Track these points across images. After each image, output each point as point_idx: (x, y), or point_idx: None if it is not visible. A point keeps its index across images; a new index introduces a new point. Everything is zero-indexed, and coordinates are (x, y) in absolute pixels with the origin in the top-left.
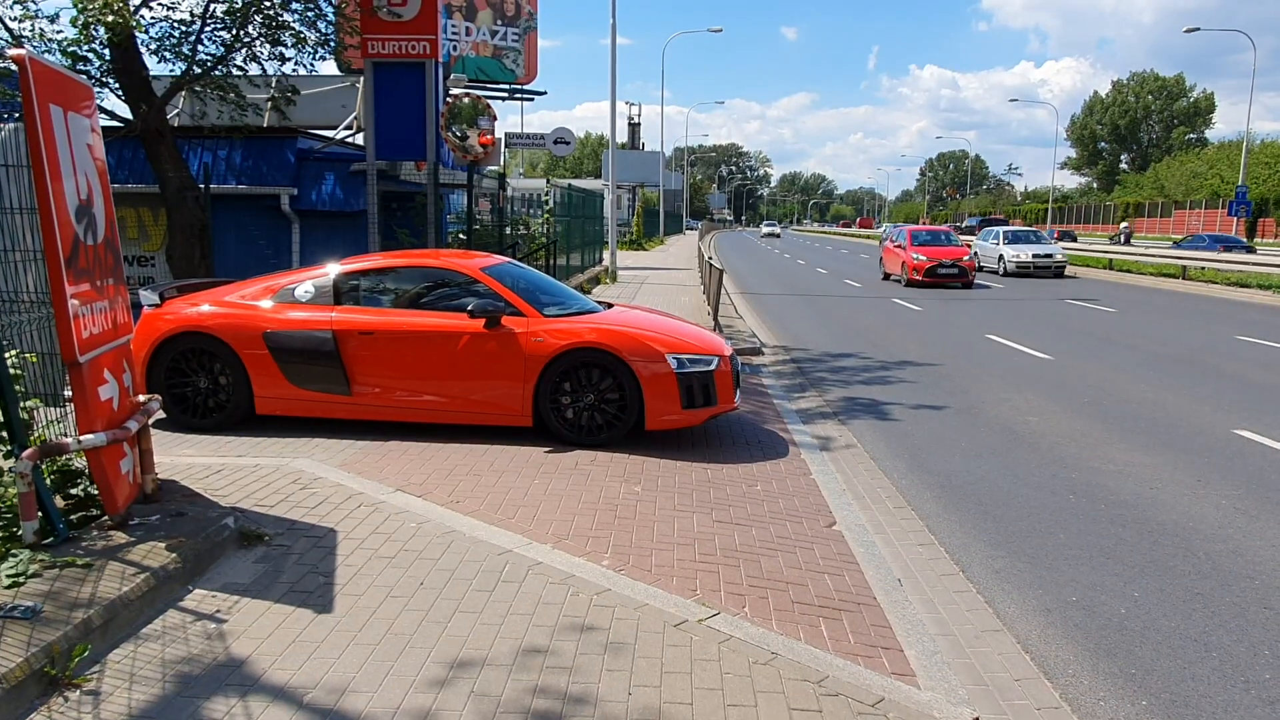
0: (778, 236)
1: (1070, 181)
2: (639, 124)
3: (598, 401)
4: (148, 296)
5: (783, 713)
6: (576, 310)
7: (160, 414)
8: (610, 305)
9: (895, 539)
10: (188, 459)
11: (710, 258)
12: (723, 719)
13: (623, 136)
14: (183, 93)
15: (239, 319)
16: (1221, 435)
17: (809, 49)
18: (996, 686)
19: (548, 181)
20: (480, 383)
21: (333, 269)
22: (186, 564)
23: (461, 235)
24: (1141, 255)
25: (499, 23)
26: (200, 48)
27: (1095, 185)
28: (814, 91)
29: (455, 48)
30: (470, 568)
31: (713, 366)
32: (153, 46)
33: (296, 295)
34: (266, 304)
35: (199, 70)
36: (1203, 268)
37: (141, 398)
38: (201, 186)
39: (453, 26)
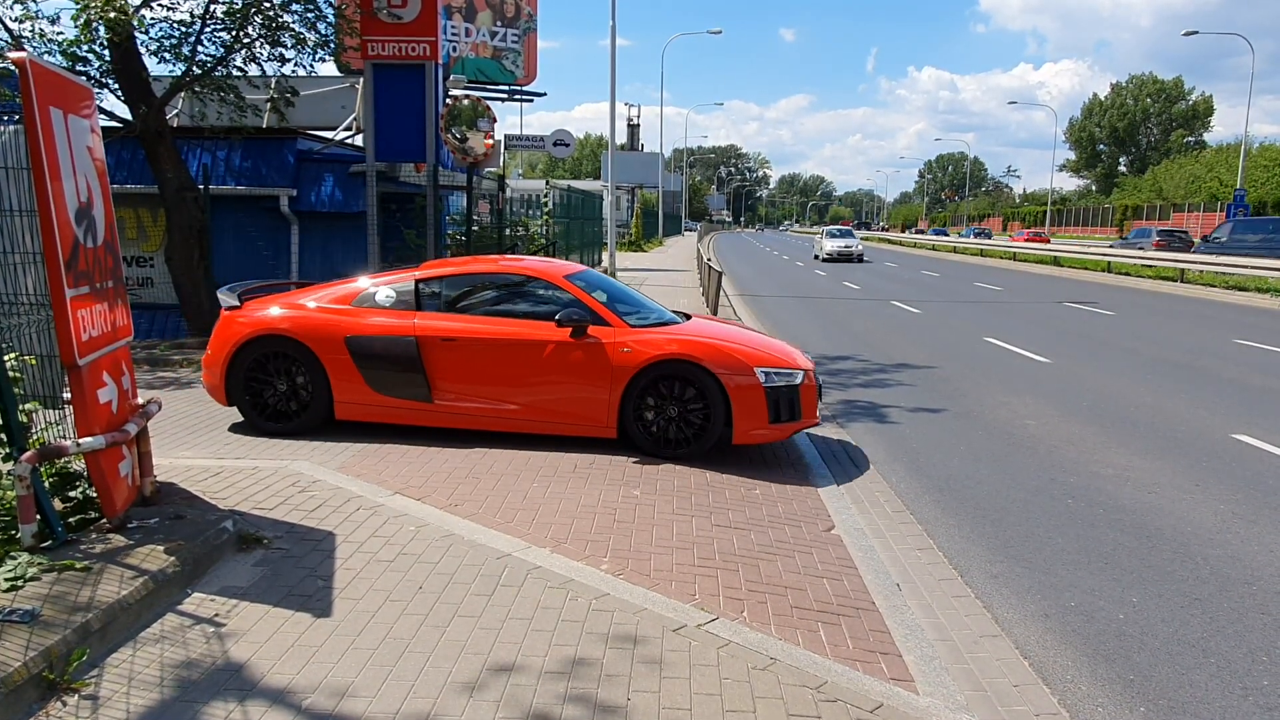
0: (856, 258)
1: (1069, 184)
2: (638, 125)
3: (682, 414)
4: (226, 298)
5: (781, 718)
6: (656, 320)
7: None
8: (688, 316)
9: (894, 543)
10: (186, 461)
11: (709, 260)
12: None
13: (622, 138)
14: (182, 93)
15: (321, 323)
16: (1220, 440)
17: (807, 51)
18: (995, 692)
19: (547, 183)
20: (564, 393)
21: (414, 274)
22: (185, 567)
23: (461, 237)
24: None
25: (499, 24)
26: (200, 48)
27: (1094, 188)
28: (812, 93)
29: (455, 49)
30: (469, 571)
31: (798, 380)
32: (152, 47)
33: (378, 300)
34: (347, 308)
35: (199, 71)
36: (1201, 271)
37: (140, 400)
38: (201, 187)
39: (452, 28)
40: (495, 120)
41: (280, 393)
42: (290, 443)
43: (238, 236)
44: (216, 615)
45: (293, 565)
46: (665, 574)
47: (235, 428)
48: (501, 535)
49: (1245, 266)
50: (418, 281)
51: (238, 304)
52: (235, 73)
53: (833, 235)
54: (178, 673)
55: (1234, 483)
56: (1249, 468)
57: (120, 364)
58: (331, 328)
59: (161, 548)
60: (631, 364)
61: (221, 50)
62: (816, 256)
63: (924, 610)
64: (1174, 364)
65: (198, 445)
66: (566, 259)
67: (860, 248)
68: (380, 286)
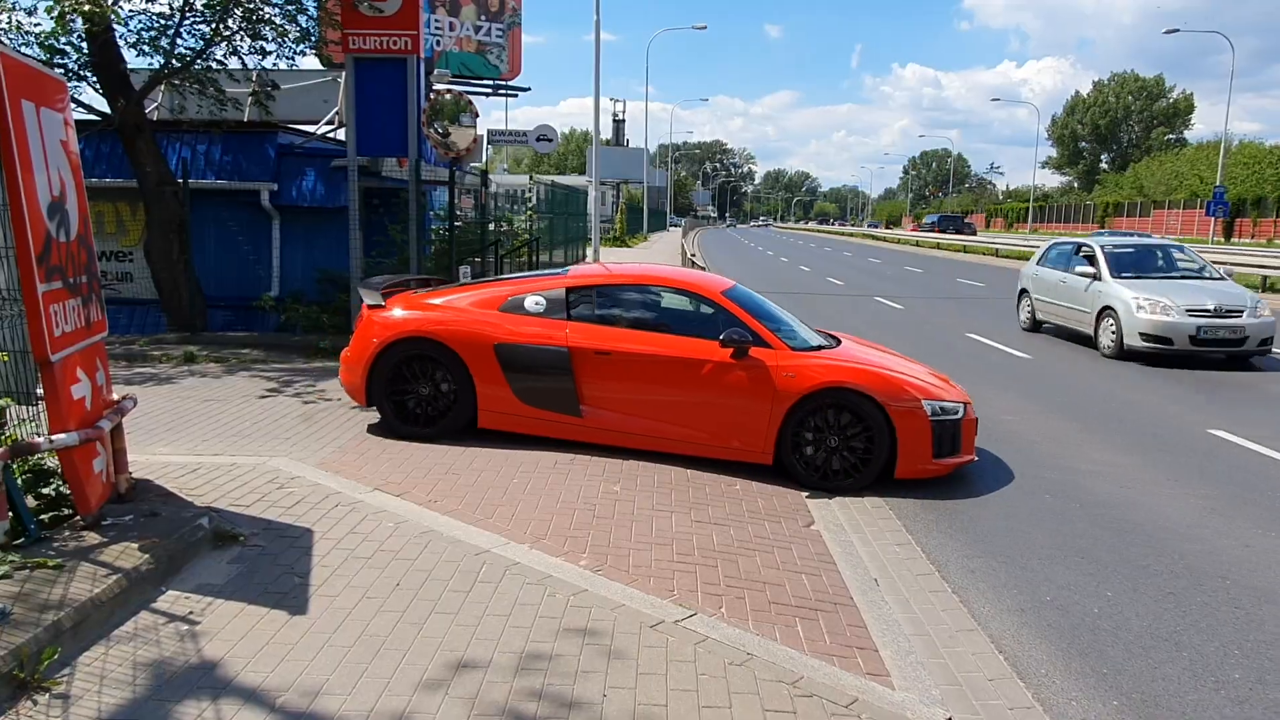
0: (1251, 353)
1: (1051, 180)
2: (623, 120)
3: (842, 444)
4: (370, 295)
5: (757, 714)
6: (810, 342)
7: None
8: (838, 340)
9: (872, 538)
10: (163, 458)
11: (693, 255)
12: None
13: (607, 133)
14: (161, 87)
15: (471, 328)
16: (1196, 434)
17: (792, 47)
18: (970, 686)
19: (530, 178)
20: (720, 415)
21: (565, 281)
22: (160, 565)
23: (445, 232)
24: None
25: (483, 18)
26: (179, 41)
27: (1076, 184)
28: (797, 89)
29: (438, 43)
30: (447, 568)
31: (960, 415)
32: (131, 39)
33: (526, 307)
34: (495, 313)
35: (178, 64)
36: None
37: (115, 396)
38: (180, 181)
39: (435, 21)
40: (478, 115)
41: (423, 396)
42: (268, 440)
43: (218, 231)
44: (191, 613)
45: (269, 562)
46: (644, 570)
47: (212, 424)
48: (480, 531)
49: (1223, 262)
50: (568, 290)
51: (382, 302)
52: (215, 66)
53: (1157, 272)
54: (150, 671)
55: (1209, 477)
56: (1224, 462)
57: (95, 360)
58: (482, 333)
59: (136, 545)
60: (795, 390)
61: (201, 43)
62: (1091, 337)
63: (901, 605)
64: (1151, 358)
65: (175, 441)
66: (550, 254)
67: (1267, 311)
68: (529, 293)
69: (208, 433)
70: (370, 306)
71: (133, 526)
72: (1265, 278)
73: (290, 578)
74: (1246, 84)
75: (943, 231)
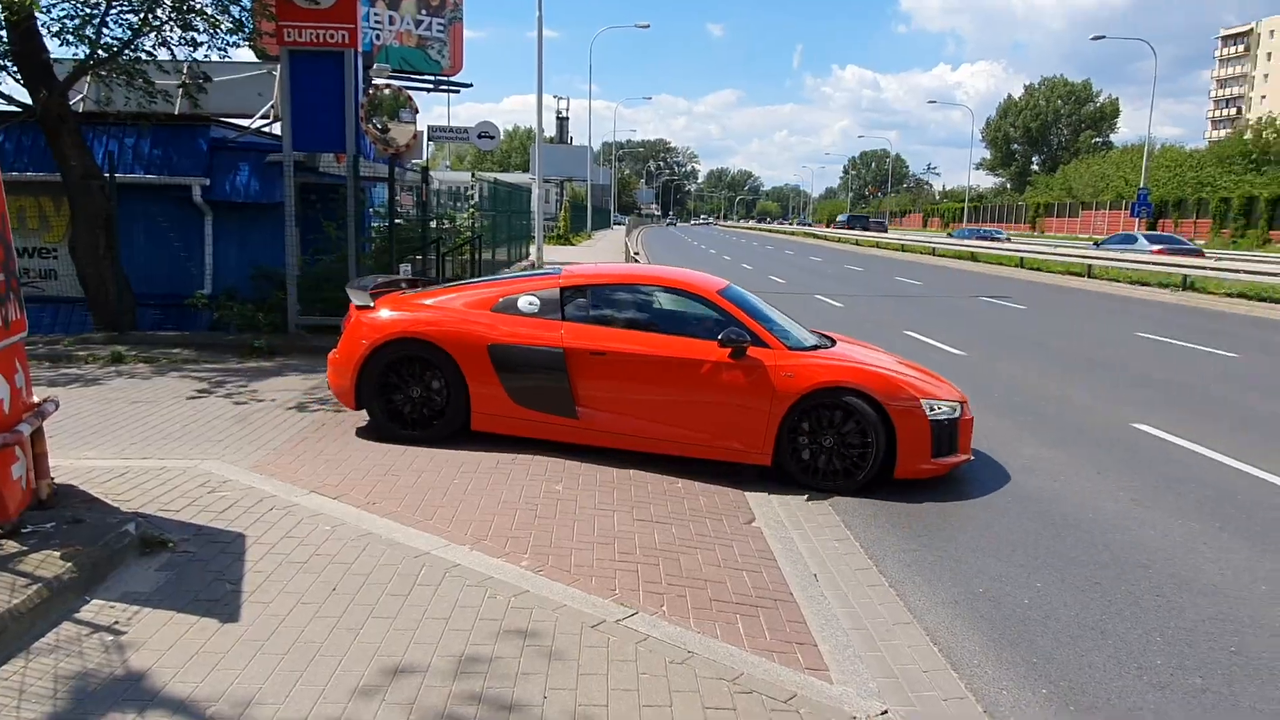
0: None
1: (986, 181)
2: (567, 118)
3: (838, 444)
4: (359, 295)
5: (697, 712)
6: (806, 342)
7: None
8: (832, 340)
9: (812, 534)
10: (89, 462)
11: (636, 253)
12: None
13: (550, 130)
14: (87, 77)
15: (462, 327)
16: (1121, 429)
17: (735, 46)
18: (905, 678)
19: (473, 175)
20: (719, 416)
21: (559, 281)
22: (83, 573)
23: (385, 228)
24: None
25: (423, 12)
26: (105, 31)
27: (1009, 185)
28: (740, 89)
29: (378, 37)
30: (385, 571)
31: (958, 414)
32: (54, 29)
33: (520, 307)
34: (488, 314)
35: (104, 54)
36: (1108, 266)
37: (36, 399)
38: (107, 175)
39: (375, 15)
40: (418, 111)
41: (414, 399)
42: (200, 442)
43: (148, 227)
44: (116, 623)
45: (199, 569)
46: (585, 569)
47: (141, 427)
48: (420, 533)
49: (1149, 262)
50: (563, 289)
51: (371, 303)
52: (144, 56)
53: None
54: (73, 684)
55: (1133, 471)
56: (1147, 456)
57: (14, 361)
58: (475, 334)
59: (58, 553)
60: (793, 390)
61: (129, 33)
62: None
63: (840, 600)
64: (1080, 356)
65: (101, 445)
66: (493, 252)
67: None
68: (522, 292)
69: (136, 435)
70: (359, 307)
71: (54, 534)
72: (1185, 277)
73: (221, 584)
74: (1167, 90)
75: (851, 229)
